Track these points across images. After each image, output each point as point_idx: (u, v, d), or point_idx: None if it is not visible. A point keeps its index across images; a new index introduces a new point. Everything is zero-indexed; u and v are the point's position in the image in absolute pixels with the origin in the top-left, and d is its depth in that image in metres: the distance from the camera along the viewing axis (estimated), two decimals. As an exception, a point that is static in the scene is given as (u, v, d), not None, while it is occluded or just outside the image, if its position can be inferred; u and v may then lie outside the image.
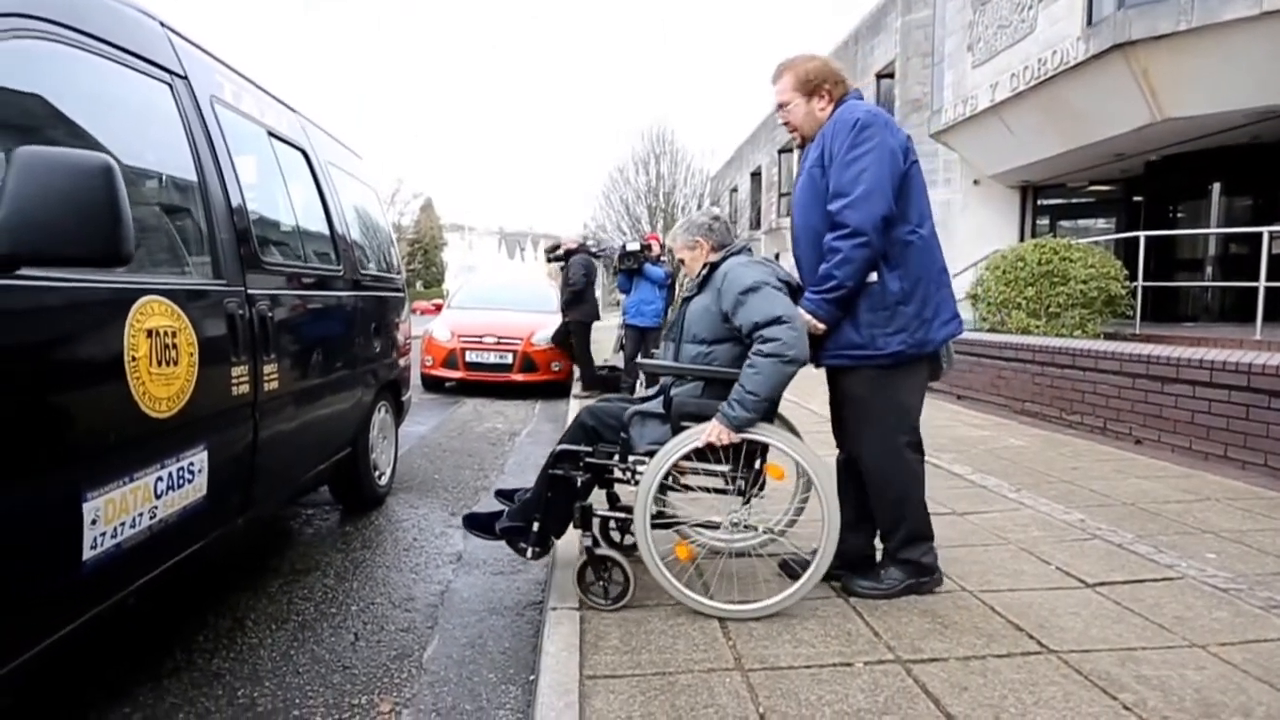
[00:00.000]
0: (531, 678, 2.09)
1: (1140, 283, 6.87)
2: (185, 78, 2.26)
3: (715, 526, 2.41)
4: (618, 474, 2.41)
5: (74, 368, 1.57)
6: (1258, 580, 2.50)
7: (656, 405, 2.37)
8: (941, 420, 5.82)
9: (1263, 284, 6.04)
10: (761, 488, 2.37)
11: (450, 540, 3.38)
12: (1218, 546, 2.84)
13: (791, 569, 2.43)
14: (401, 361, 4.19)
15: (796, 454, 2.24)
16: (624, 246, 7.58)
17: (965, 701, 1.76)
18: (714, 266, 2.42)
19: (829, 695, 1.79)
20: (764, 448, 2.28)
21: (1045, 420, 5.78)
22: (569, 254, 7.79)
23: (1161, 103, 7.62)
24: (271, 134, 2.95)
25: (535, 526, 2.38)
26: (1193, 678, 1.86)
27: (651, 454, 2.27)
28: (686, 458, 2.22)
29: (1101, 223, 12.15)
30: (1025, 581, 2.50)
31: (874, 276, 2.23)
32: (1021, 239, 10.93)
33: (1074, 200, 12.40)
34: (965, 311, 8.50)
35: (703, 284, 2.45)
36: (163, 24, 2.22)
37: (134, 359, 1.69)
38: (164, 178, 2.15)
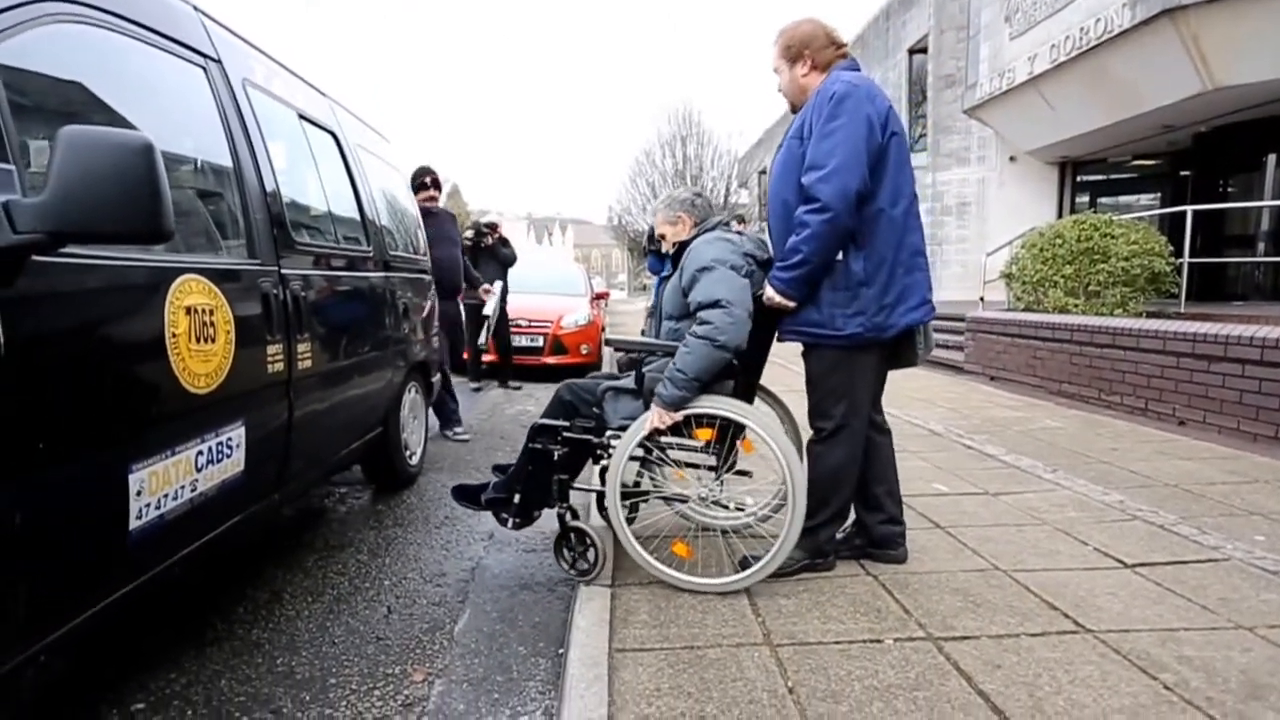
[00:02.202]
0: (561, 651, 2.11)
1: (1186, 259, 6.64)
2: (219, 61, 2.30)
3: (685, 500, 2.45)
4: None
5: (117, 342, 1.62)
6: (1308, 562, 2.42)
7: (629, 381, 2.41)
8: (975, 401, 5.72)
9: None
10: (732, 466, 2.39)
11: (482, 518, 3.41)
12: (1267, 529, 2.75)
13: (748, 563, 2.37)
14: (431, 343, 4.24)
15: (756, 425, 2.22)
16: (653, 228, 7.56)
17: (998, 679, 1.74)
18: (685, 244, 2.44)
19: (858, 670, 1.78)
20: (739, 426, 2.25)
21: (1083, 401, 5.64)
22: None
23: (1213, 71, 7.31)
24: (302, 116, 2.98)
25: (516, 499, 2.46)
26: (1238, 659, 1.81)
27: (624, 428, 2.30)
28: (664, 433, 2.25)
29: (1145, 199, 11.75)
30: (1061, 561, 2.46)
31: (840, 255, 2.20)
32: (1059, 217, 10.61)
33: (1115, 176, 12.00)
34: (999, 292, 8.34)
35: (675, 261, 2.47)
36: (196, 8, 2.26)
37: (174, 335, 1.73)
38: (199, 159, 2.18)
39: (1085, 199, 11.92)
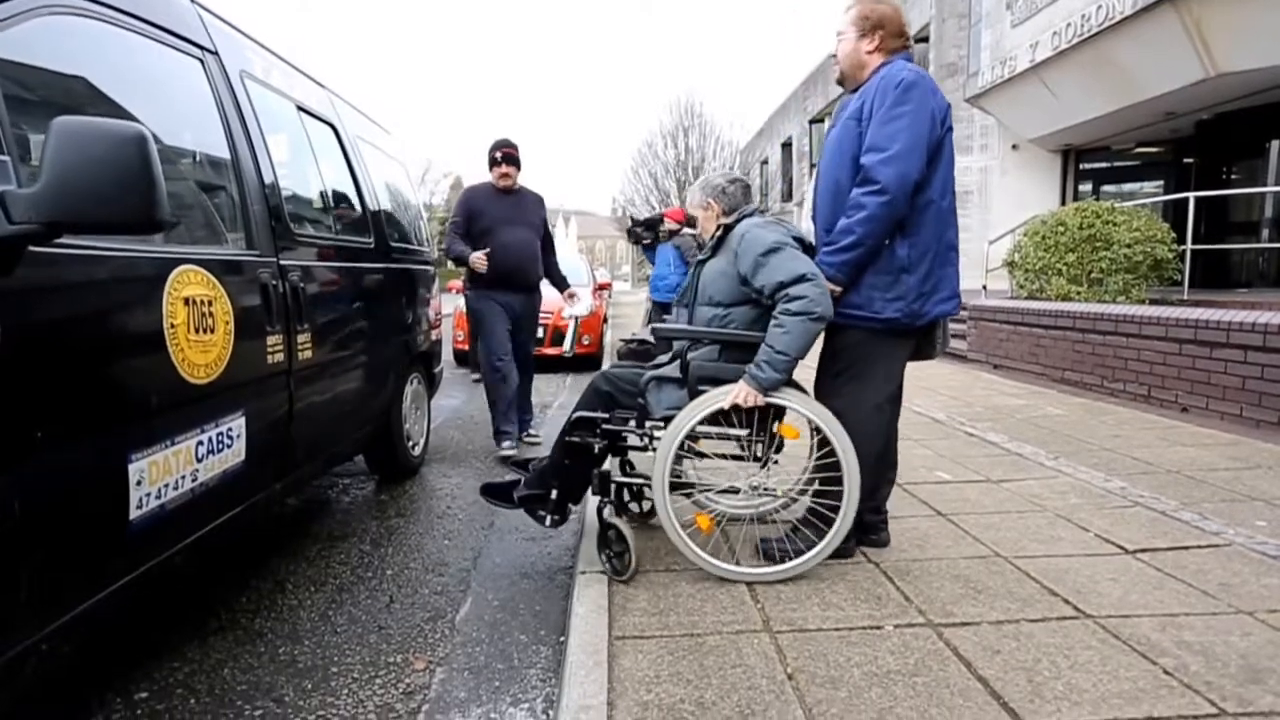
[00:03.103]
0: (561, 639, 2.12)
1: (1189, 246, 6.61)
2: (216, 53, 2.29)
3: (735, 491, 2.39)
4: (632, 440, 2.41)
5: (115, 333, 1.62)
6: (1309, 547, 2.42)
7: (673, 369, 2.35)
8: (978, 390, 5.71)
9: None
10: (779, 450, 2.35)
11: (483, 508, 3.43)
12: (1268, 514, 2.75)
13: (770, 549, 2.35)
14: (433, 334, 4.24)
15: (816, 416, 2.20)
16: (632, 217, 7.63)
17: (998, 664, 1.74)
18: (728, 229, 2.39)
19: (858, 656, 1.79)
20: (779, 410, 2.25)
21: (1086, 389, 5.63)
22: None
23: (1215, 57, 7.25)
24: (301, 108, 2.98)
25: (553, 494, 2.39)
26: (1238, 644, 1.81)
27: (669, 419, 2.25)
28: (703, 423, 2.21)
29: (1148, 186, 11.69)
30: (1062, 548, 2.46)
31: (886, 240, 2.20)
32: (1063, 205, 10.57)
33: (1118, 164, 11.94)
34: (1002, 280, 8.31)
35: (717, 246, 2.42)
36: (192, 0, 2.25)
37: (173, 326, 1.74)
38: (197, 151, 2.18)
39: (1088, 187, 11.86)
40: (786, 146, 27.27)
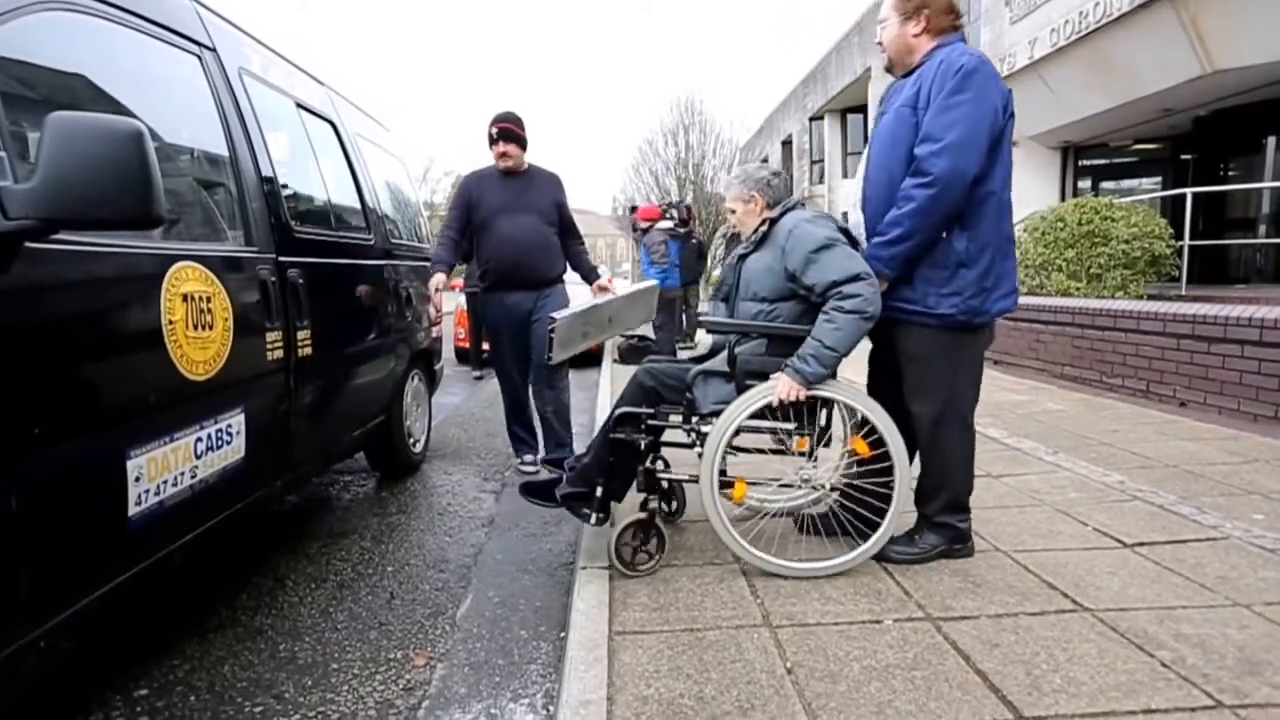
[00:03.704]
0: (562, 634, 2.12)
1: (1187, 242, 6.61)
2: (214, 50, 2.29)
3: (789, 485, 2.36)
4: (674, 435, 2.37)
5: (113, 329, 1.62)
6: (1307, 541, 2.42)
7: (720, 364, 2.31)
8: (976, 386, 5.71)
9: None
10: (828, 444, 2.32)
11: (483, 505, 3.44)
12: (1266, 508, 2.75)
13: (829, 525, 2.38)
14: (433, 332, 4.24)
15: (866, 410, 2.19)
16: (635, 209, 7.77)
17: (996, 658, 1.74)
18: (773, 223, 2.35)
19: (857, 651, 1.79)
20: (828, 401, 2.22)
21: (1085, 384, 5.63)
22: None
23: (1211, 53, 7.25)
24: (300, 105, 2.98)
25: (598, 492, 2.34)
26: (1235, 636, 1.82)
27: (716, 414, 2.22)
28: (751, 417, 2.18)
29: (1147, 183, 11.69)
30: (1060, 542, 2.46)
31: (943, 233, 2.12)
32: (1062, 201, 10.57)
33: (1117, 160, 11.94)
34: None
35: (761, 241, 2.37)
36: (189, -4, 2.25)
37: (171, 322, 1.73)
38: (195, 148, 2.18)
39: (1087, 183, 11.86)
40: (786, 144, 27.22)
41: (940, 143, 2.04)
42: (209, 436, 1.93)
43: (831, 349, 2.08)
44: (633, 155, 36.18)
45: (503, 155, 3.55)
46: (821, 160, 23.47)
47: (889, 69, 2.33)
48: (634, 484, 2.38)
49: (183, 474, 1.82)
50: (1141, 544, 2.43)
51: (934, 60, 2.14)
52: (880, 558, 2.32)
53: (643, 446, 2.32)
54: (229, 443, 2.03)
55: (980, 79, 2.05)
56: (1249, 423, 4.17)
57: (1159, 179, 11.34)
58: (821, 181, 23.27)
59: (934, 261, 2.15)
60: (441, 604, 2.41)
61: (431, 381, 4.32)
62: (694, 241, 9.46)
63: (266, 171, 2.39)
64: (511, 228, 3.52)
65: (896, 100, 2.21)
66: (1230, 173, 9.85)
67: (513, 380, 3.74)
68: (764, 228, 2.37)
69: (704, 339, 9.87)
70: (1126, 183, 11.96)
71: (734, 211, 2.46)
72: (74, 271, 1.50)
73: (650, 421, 2.33)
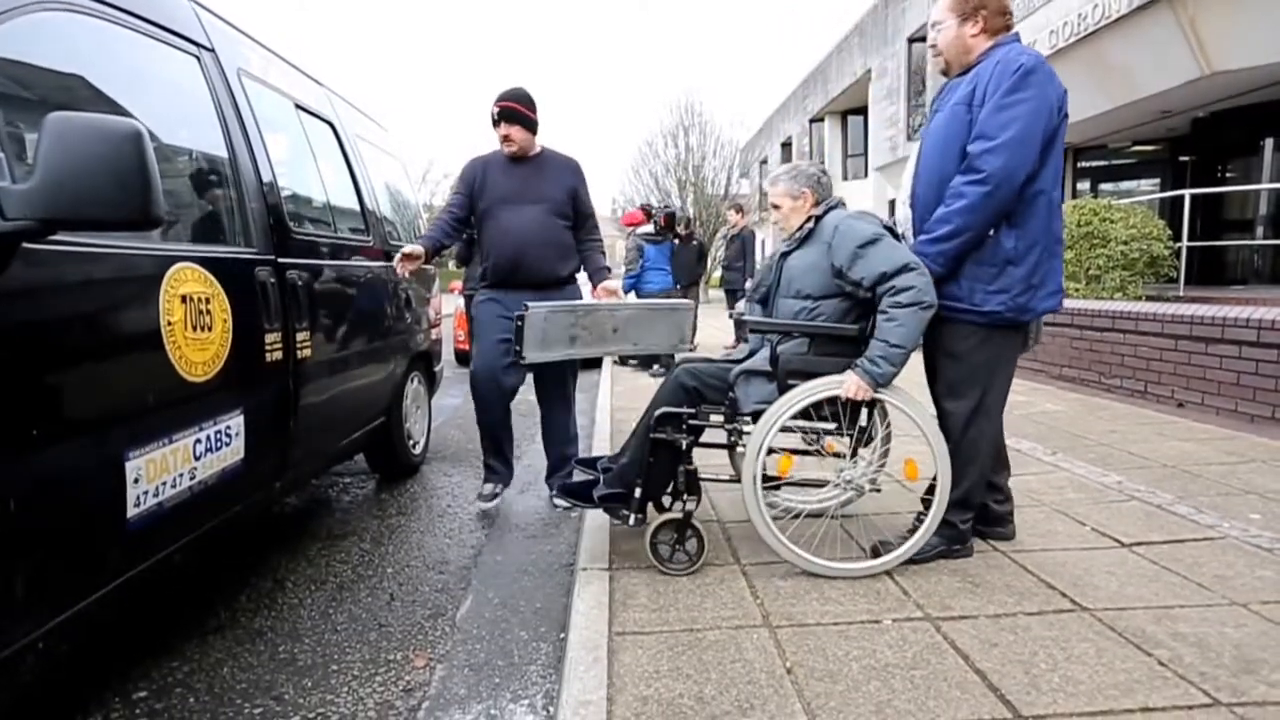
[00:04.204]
0: (562, 635, 2.13)
1: (1185, 243, 6.63)
2: (212, 50, 2.29)
3: (822, 485, 2.36)
4: (714, 435, 2.38)
5: (111, 330, 1.62)
6: (1304, 540, 2.43)
7: (762, 363, 2.30)
8: (975, 387, 5.72)
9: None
10: (868, 444, 2.31)
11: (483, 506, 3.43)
12: (1262, 507, 2.76)
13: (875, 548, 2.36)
14: (433, 333, 4.24)
15: (914, 414, 2.19)
16: (656, 214, 7.77)
17: (995, 657, 1.75)
18: (817, 220, 2.35)
19: (856, 650, 1.80)
20: (870, 403, 2.21)
21: (1083, 385, 5.64)
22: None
23: (1209, 55, 7.28)
24: (299, 106, 2.98)
25: (637, 493, 2.32)
26: (1232, 635, 1.82)
27: (758, 414, 2.22)
28: (794, 417, 2.18)
29: (1145, 184, 11.72)
30: (1059, 541, 2.47)
31: (991, 230, 2.12)
32: (1061, 202, 10.59)
33: (1116, 162, 11.97)
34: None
35: (805, 238, 2.37)
36: (188, -3, 2.25)
37: (169, 323, 1.74)
38: (193, 149, 2.18)
39: (1086, 185, 11.89)
40: (786, 146, 27.27)
41: (995, 141, 2.04)
42: (208, 438, 1.93)
43: (899, 346, 2.07)
44: (633, 157, 36.20)
45: (506, 139, 3.09)
46: (821, 162, 23.55)
47: (944, 71, 2.33)
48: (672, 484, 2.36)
49: (182, 475, 1.82)
50: (1139, 544, 2.43)
51: (991, 59, 2.15)
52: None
53: (684, 446, 2.32)
54: (228, 444, 2.03)
55: (1038, 78, 2.06)
56: (1246, 423, 4.17)
57: (1157, 180, 11.37)
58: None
59: (981, 259, 2.15)
60: (441, 605, 2.41)
61: (431, 383, 4.32)
62: (694, 244, 9.47)
63: (265, 173, 2.40)
64: (513, 220, 3.07)
65: (951, 98, 2.21)
66: (1228, 174, 9.89)
67: (494, 397, 3.17)
68: (809, 225, 2.37)
69: (703, 341, 9.75)
70: (1125, 184, 12.00)
71: (777, 207, 2.44)
72: (72, 272, 1.50)
73: (691, 421, 2.32)
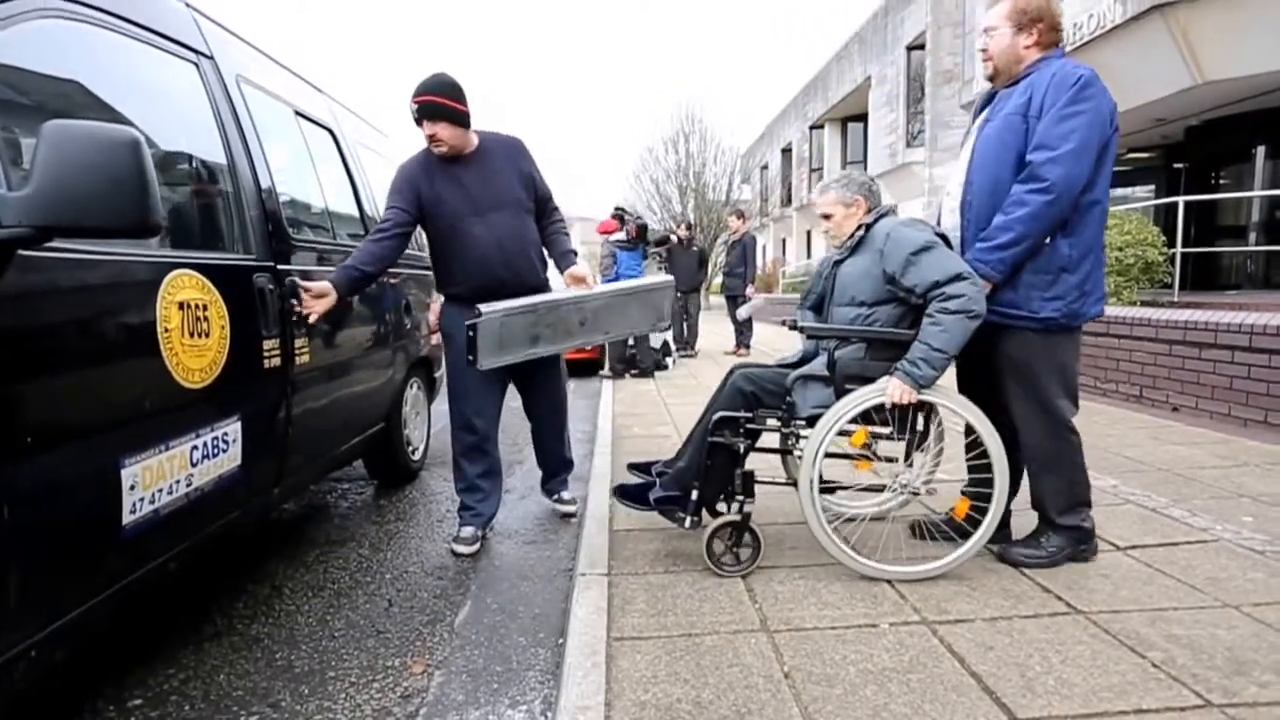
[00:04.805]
0: (561, 641, 2.13)
1: (1179, 249, 6.67)
2: (211, 57, 2.30)
3: (880, 490, 2.37)
4: (771, 439, 2.42)
5: (107, 337, 1.62)
6: (1297, 543, 2.45)
7: (820, 368, 2.33)
8: (971, 393, 5.73)
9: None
10: (922, 448, 2.32)
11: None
12: (1254, 510, 2.78)
13: (929, 531, 2.40)
14: (433, 339, 4.24)
15: (968, 414, 2.20)
16: (646, 227, 7.86)
17: (991, 660, 1.75)
18: (868, 228, 2.39)
19: (853, 655, 1.80)
20: (927, 406, 2.23)
21: (1080, 389, 5.66)
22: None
23: (1202, 65, 7.34)
24: (298, 113, 2.99)
25: (694, 496, 2.35)
26: (1224, 637, 1.83)
27: (814, 418, 2.24)
28: (850, 421, 2.20)
29: (1140, 191, 11.79)
30: (1055, 546, 2.47)
31: (1048, 238, 2.16)
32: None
33: (1111, 169, 12.04)
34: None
35: (857, 246, 2.40)
36: (187, 4, 2.26)
37: (166, 330, 1.74)
38: (192, 155, 2.19)
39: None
40: (786, 152, 27.38)
41: (1056, 151, 2.08)
42: (205, 445, 1.93)
43: (940, 350, 2.10)
44: (634, 163, 36.32)
45: (433, 139, 2.64)
46: (821, 168, 23.64)
47: (991, 78, 2.36)
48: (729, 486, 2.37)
49: (178, 482, 1.82)
50: (1134, 547, 2.44)
51: (1045, 71, 2.19)
52: (1009, 562, 2.32)
53: (741, 450, 2.35)
54: (225, 450, 2.03)
55: (1095, 91, 2.11)
56: (1240, 427, 4.20)
57: (1152, 187, 11.44)
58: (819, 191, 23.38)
59: (1037, 266, 2.18)
60: (440, 611, 2.41)
61: (431, 389, 4.32)
62: (694, 249, 9.50)
63: (264, 179, 2.41)
64: (486, 234, 2.69)
65: (1004, 107, 2.24)
66: (1222, 181, 9.95)
67: (465, 434, 2.89)
68: (860, 233, 2.40)
69: (704, 347, 9.69)
70: (1120, 191, 12.05)
71: (829, 216, 2.47)
72: (68, 279, 1.50)
73: (749, 425, 2.34)
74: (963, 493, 2.28)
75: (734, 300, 9.35)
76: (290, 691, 1.93)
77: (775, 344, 10.24)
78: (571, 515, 3.23)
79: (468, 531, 2.92)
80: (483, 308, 2.47)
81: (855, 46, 19.54)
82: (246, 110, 2.43)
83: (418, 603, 2.48)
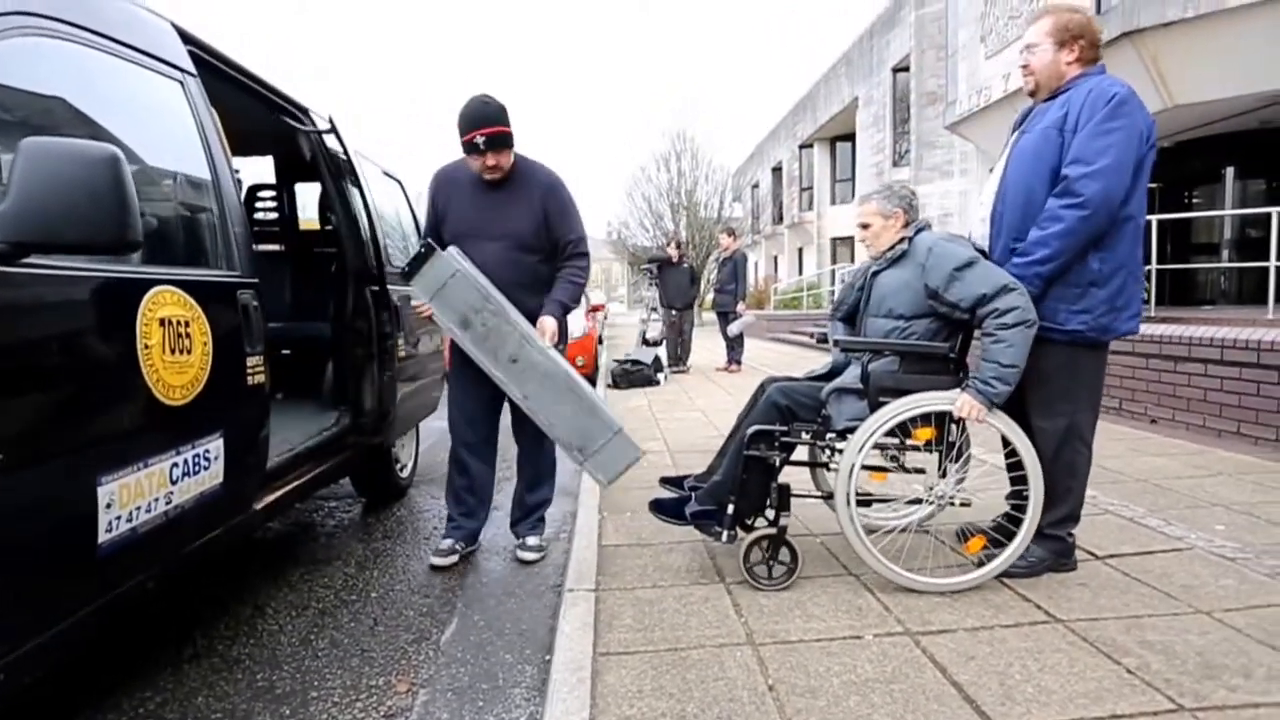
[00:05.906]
0: (547, 657, 2.12)
1: (1154, 266, 6.81)
2: (196, 75, 2.32)
3: (917, 502, 2.39)
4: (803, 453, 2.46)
5: (85, 353, 1.60)
6: (1265, 549, 2.50)
7: (854, 381, 2.34)
8: (953, 407, 5.80)
9: (1274, 264, 5.97)
10: (957, 459, 2.33)
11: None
12: (1227, 519, 2.84)
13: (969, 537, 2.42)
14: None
15: (1008, 431, 2.22)
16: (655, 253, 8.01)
17: (972, 670, 1.77)
18: (909, 241, 2.41)
19: (837, 666, 1.81)
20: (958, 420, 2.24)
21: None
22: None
23: (1171, 89, 7.55)
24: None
25: (730, 509, 2.35)
26: (1196, 642, 1.87)
27: (849, 431, 2.25)
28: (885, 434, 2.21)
29: (1115, 209, 12.04)
30: (1034, 556, 2.50)
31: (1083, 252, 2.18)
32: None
33: (1146, 185, 12.29)
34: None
35: (897, 259, 2.42)
36: (172, 23, 2.28)
37: (147, 347, 1.73)
38: (176, 172, 2.19)
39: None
40: (777, 171, 27.71)
41: (1092, 166, 2.10)
42: (185, 462, 1.91)
43: (1011, 365, 2.12)
44: (627, 181, 36.61)
45: (494, 169, 2.68)
46: (810, 187, 23.93)
47: (1032, 93, 2.38)
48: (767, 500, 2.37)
49: (157, 500, 1.80)
50: (1112, 556, 2.48)
51: (1083, 87, 2.21)
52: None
53: (776, 463, 2.35)
54: (206, 468, 2.01)
55: (1131, 108, 2.14)
56: (1213, 437, 4.28)
57: (1126, 205, 11.68)
58: (811, 208, 23.70)
59: (1067, 280, 2.20)
60: (426, 629, 2.40)
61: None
62: (686, 267, 9.58)
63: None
64: (480, 260, 2.62)
65: (1041, 122, 2.27)
66: (1194, 200, 10.19)
67: (469, 427, 3.02)
68: (902, 246, 2.43)
69: (696, 363, 9.74)
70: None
71: (867, 226, 2.50)
72: (46, 294, 1.49)
73: (784, 439, 2.35)
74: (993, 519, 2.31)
75: (725, 317, 9.42)
76: (271, 713, 1.91)
77: (766, 360, 10.31)
78: (530, 563, 2.94)
79: (445, 543, 2.93)
80: (455, 252, 2.41)
81: (843, 68, 19.90)
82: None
83: (403, 620, 2.46)
